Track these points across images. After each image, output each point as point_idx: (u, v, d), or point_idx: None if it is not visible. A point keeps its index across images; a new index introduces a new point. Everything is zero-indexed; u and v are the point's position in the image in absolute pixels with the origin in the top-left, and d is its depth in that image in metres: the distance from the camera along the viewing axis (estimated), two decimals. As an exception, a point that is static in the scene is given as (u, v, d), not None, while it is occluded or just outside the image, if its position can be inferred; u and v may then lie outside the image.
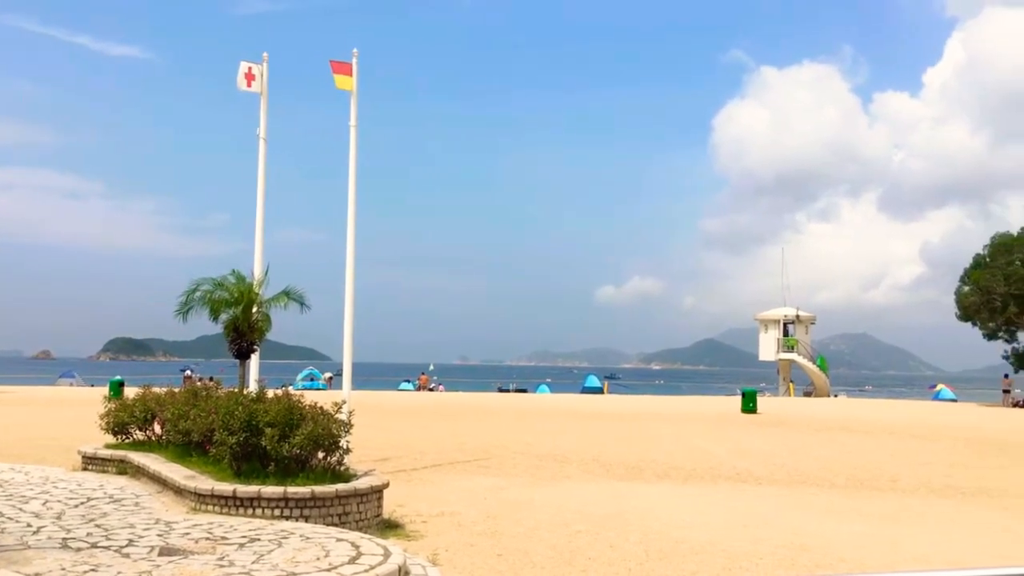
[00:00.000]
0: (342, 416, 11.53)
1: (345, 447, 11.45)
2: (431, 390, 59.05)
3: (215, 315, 15.07)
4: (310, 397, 12.30)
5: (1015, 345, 49.55)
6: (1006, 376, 50.28)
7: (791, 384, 59.79)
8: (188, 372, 57.15)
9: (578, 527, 11.61)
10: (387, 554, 8.07)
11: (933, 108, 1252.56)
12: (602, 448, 22.17)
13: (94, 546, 8.27)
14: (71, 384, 58.89)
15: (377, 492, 10.97)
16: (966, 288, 48.78)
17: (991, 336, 49.57)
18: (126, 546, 8.30)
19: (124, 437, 14.93)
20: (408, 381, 63.40)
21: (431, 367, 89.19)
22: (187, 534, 8.88)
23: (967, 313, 48.78)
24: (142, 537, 8.72)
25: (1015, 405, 47.08)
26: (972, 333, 50.07)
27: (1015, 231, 49.17)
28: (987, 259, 48.49)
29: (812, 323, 61.92)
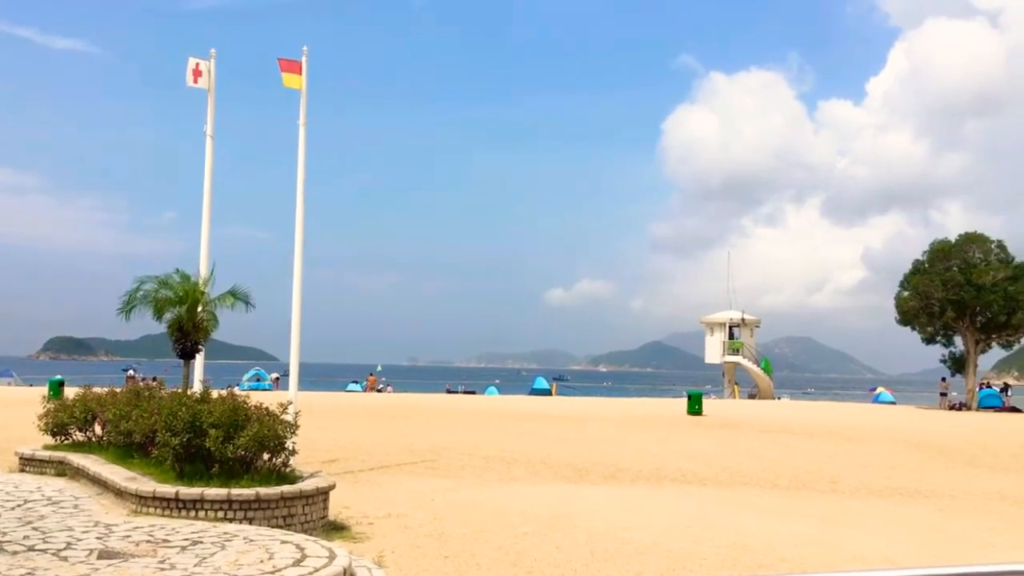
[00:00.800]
0: (288, 417, 11.43)
1: (291, 448, 11.36)
2: (379, 391, 58.73)
3: (159, 314, 14.84)
4: (256, 398, 12.18)
5: (952, 349, 50.75)
6: (943, 379, 51.53)
7: (736, 386, 60.62)
8: (131, 372, 56.13)
9: (525, 528, 11.65)
10: (332, 556, 8.03)
11: (876, 116, 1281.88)
12: (549, 450, 22.26)
13: (31, 549, 8.10)
14: (9, 383, 57.55)
15: (323, 494, 10.90)
16: (905, 293, 49.84)
17: (929, 340, 50.72)
18: (64, 549, 8.14)
19: (64, 438, 14.63)
20: (356, 382, 63.01)
21: (379, 368, 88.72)
22: (127, 537, 8.73)
23: (906, 318, 49.85)
24: (81, 540, 8.56)
25: (952, 408, 48.26)
26: (911, 337, 51.26)
27: (953, 237, 50.39)
28: (926, 265, 49.61)
29: (757, 326, 62.85)
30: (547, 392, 62.07)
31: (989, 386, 54.64)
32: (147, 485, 10.35)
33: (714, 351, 60.83)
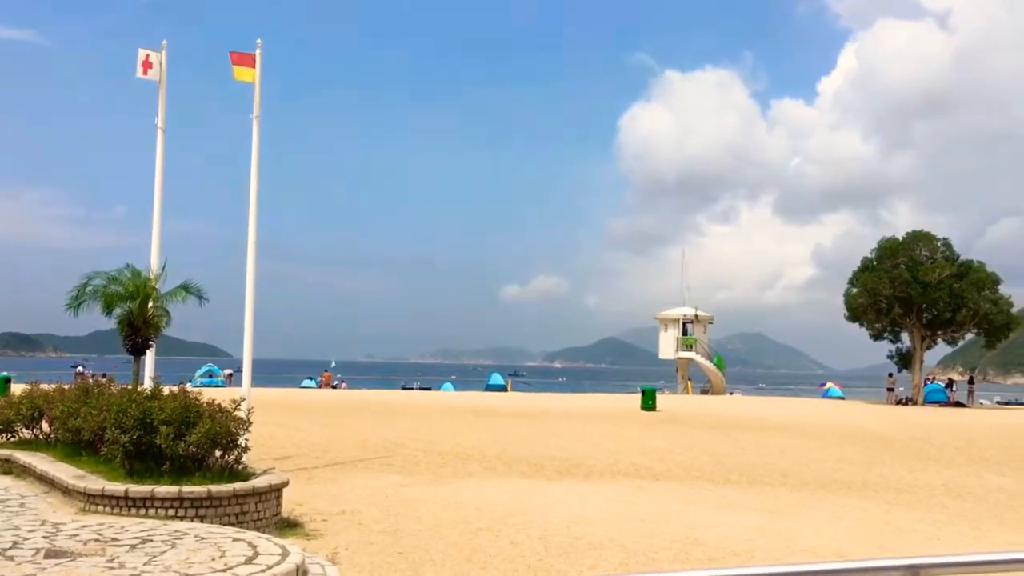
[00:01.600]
0: (241, 414, 11.33)
1: (244, 445, 11.26)
2: (334, 387, 58.34)
3: (108, 310, 14.65)
4: (209, 394, 12.06)
5: (899, 345, 51.76)
6: (890, 375, 52.51)
7: (689, 382, 61.18)
8: (80, 369, 55.10)
9: (479, 524, 11.68)
10: (285, 553, 7.99)
11: (827, 116, 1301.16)
12: (504, 446, 22.31)
13: (-25, 549, 7.94)
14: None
15: (276, 491, 10.82)
16: (854, 290, 50.69)
17: (877, 336, 51.66)
18: (10, 548, 8.00)
19: (9, 436, 14.40)
20: (311, 378, 62.47)
21: (333, 364, 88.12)
22: (75, 536, 8.60)
23: (855, 314, 50.71)
24: (27, 539, 8.41)
25: (898, 402, 49.22)
26: (859, 333, 52.17)
27: (901, 236, 51.34)
28: (874, 262, 50.50)
29: (710, 323, 63.46)
30: (502, 388, 62.11)
31: (935, 381, 55.93)
32: (96, 483, 10.20)
33: (668, 347, 61.29)
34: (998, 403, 59.20)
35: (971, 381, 53.80)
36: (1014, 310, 49.90)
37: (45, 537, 8.53)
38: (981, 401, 55.02)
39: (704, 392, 59.11)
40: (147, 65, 17.98)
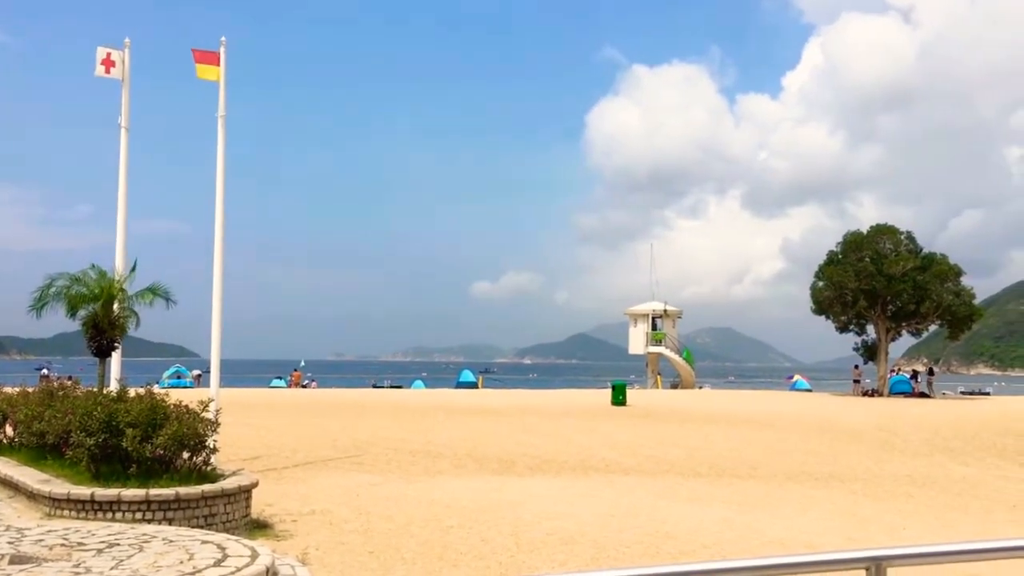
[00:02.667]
0: (209, 415, 11.24)
1: (212, 446, 11.17)
2: (304, 387, 58.02)
3: (73, 311, 14.45)
4: (176, 395, 11.95)
5: (865, 337, 52.32)
6: (856, 367, 53.14)
7: (659, 376, 61.54)
8: (44, 371, 54.38)
9: (450, 522, 11.68)
10: (254, 555, 7.94)
11: (792, 110, 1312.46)
12: (475, 442, 22.32)
13: (-63, 557, 7.81)
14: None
15: (245, 492, 10.74)
16: (820, 283, 51.17)
17: (843, 329, 52.19)
18: (-27, 556, 7.87)
19: (-29, 440, 14.14)
20: (280, 378, 62.10)
21: (302, 363, 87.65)
22: (40, 540, 8.49)
23: (821, 307, 51.22)
24: (-9, 546, 8.28)
25: (864, 394, 49.83)
26: (826, 326, 52.60)
27: (867, 229, 51.89)
28: (840, 256, 51.00)
29: (679, 317, 63.86)
30: (473, 385, 62.14)
31: (900, 372, 56.65)
32: (61, 487, 10.07)
33: (638, 342, 61.60)
34: (962, 393, 60.09)
35: (931, 372, 54.53)
36: (976, 301, 50.61)
37: (10, 543, 8.40)
38: (943, 392, 55.80)
39: (674, 386, 59.48)
40: (108, 63, 17.73)
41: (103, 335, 14.38)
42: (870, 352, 51.91)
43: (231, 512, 10.35)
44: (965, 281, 49.70)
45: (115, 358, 15.93)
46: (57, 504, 9.91)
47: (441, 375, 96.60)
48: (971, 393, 61.19)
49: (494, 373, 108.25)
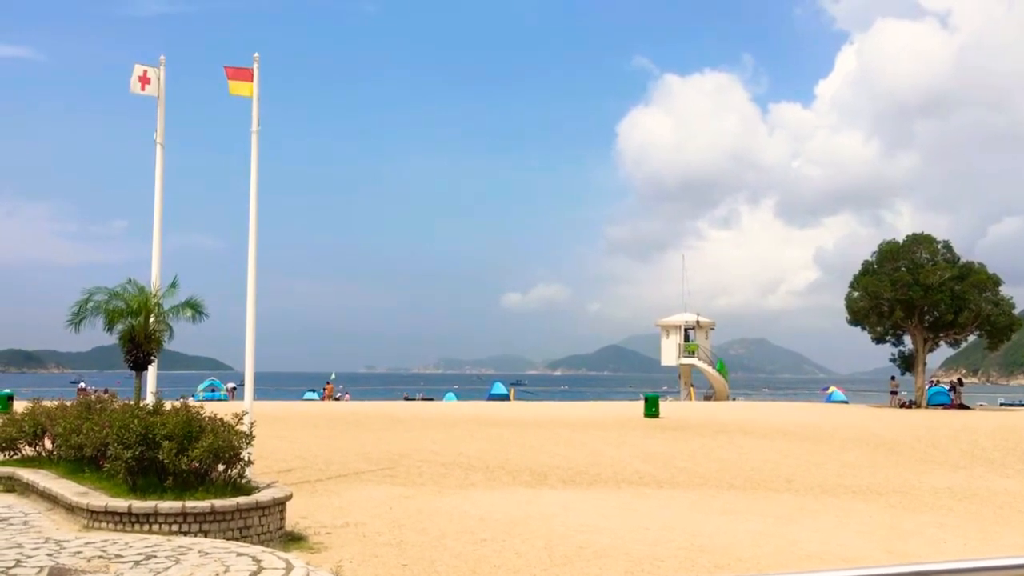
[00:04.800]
0: (244, 427, 11.32)
1: (247, 459, 11.24)
2: (337, 399, 58.28)
3: (111, 325, 14.63)
4: (211, 408, 12.04)
5: (901, 348, 51.62)
6: (893, 378, 52.39)
7: (692, 388, 61.11)
8: (82, 384, 55.09)
9: (484, 535, 11.65)
10: (289, 567, 7.96)
11: (825, 118, 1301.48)
12: (508, 455, 22.27)
13: (-22, 568, 7.92)
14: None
15: (280, 504, 10.79)
16: (855, 293, 50.59)
17: (879, 340, 51.52)
18: (13, 567, 7.98)
19: (12, 453, 14.36)
20: (313, 391, 62.46)
21: (333, 376, 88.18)
22: (79, 553, 8.58)
23: (856, 318, 50.61)
24: (31, 557, 8.39)
25: (902, 406, 49.11)
26: (861, 337, 51.93)
27: (902, 237, 51.26)
28: (875, 265, 50.40)
29: (712, 328, 63.40)
30: (505, 397, 62.07)
31: (938, 384, 55.78)
32: (99, 499, 10.18)
33: (670, 354, 61.22)
34: (1002, 405, 59.07)
35: (960, 383, 53.61)
36: (1016, 311, 49.79)
37: (49, 555, 8.50)
38: (980, 403, 54.88)
39: (707, 398, 59.04)
40: (144, 81, 18.00)
41: (140, 349, 14.53)
42: (907, 363, 51.18)
43: (266, 524, 10.40)
44: (1004, 290, 48.89)
45: (151, 371, 16.11)
46: (95, 516, 10.01)
47: (472, 387, 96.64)
48: (1011, 405, 60.13)
49: (525, 386, 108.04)
